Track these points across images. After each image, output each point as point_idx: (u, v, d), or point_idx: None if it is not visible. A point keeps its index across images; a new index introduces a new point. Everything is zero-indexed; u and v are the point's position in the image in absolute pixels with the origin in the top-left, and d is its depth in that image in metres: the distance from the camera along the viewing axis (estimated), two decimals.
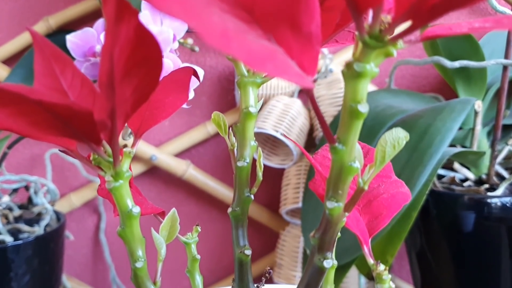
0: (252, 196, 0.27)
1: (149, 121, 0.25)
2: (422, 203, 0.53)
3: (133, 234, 0.23)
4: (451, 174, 0.64)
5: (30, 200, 0.71)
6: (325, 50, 0.75)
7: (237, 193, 0.27)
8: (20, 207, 0.71)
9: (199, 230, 0.32)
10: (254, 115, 0.27)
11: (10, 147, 0.66)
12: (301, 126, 0.70)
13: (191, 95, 0.54)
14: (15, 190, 0.70)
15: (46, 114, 0.20)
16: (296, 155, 0.70)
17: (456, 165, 0.64)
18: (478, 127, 0.62)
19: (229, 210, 0.27)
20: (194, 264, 0.31)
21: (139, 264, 0.24)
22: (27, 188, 0.71)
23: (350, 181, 0.22)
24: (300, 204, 0.69)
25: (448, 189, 0.62)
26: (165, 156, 0.79)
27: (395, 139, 0.22)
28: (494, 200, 0.57)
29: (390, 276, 0.22)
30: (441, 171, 0.65)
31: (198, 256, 0.32)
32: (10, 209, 0.69)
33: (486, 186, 0.60)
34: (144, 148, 0.78)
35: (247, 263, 0.27)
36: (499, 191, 0.58)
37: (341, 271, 0.54)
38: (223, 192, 0.81)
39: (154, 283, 0.24)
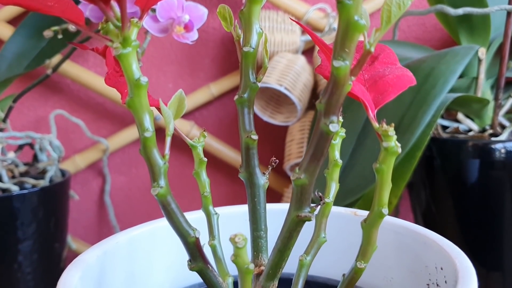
0: (258, 84, 0.28)
1: None
2: (426, 143, 0.53)
3: (141, 103, 0.24)
4: (455, 124, 0.64)
5: (35, 157, 0.72)
6: (328, 9, 0.75)
7: (243, 80, 0.28)
8: (26, 164, 0.71)
9: (206, 135, 0.32)
10: None
11: (15, 100, 0.66)
12: (305, 82, 0.70)
13: (195, 36, 0.54)
14: (20, 147, 0.71)
15: None
16: (300, 110, 0.70)
17: (460, 116, 0.64)
18: (482, 75, 0.62)
19: (236, 97, 0.28)
20: (201, 166, 0.32)
21: (147, 134, 0.24)
22: (32, 146, 0.71)
23: (356, 39, 0.22)
24: None
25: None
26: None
27: None
28: (498, 146, 0.57)
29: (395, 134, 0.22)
30: (445, 122, 0.65)
31: (205, 159, 0.32)
32: (16, 165, 0.69)
33: (490, 131, 0.60)
34: None
35: (253, 147, 0.28)
36: (504, 135, 0.58)
37: None
38: (228, 154, 0.81)
39: (163, 156, 0.25)
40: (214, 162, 0.83)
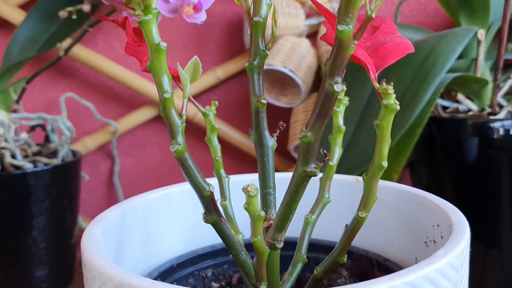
0: (267, 52, 0.30)
1: None
2: (426, 120, 0.55)
3: (161, 67, 0.26)
4: (455, 105, 0.66)
5: (46, 138, 0.74)
6: None
7: (253, 48, 0.30)
8: (38, 145, 0.73)
9: (217, 104, 0.34)
10: None
11: (28, 82, 0.68)
12: (309, 64, 0.72)
13: (204, 16, 0.56)
14: (32, 128, 0.73)
15: None
16: (304, 92, 0.72)
17: (460, 96, 0.66)
18: (481, 57, 0.64)
19: (246, 64, 0.30)
20: (213, 132, 0.34)
21: (167, 95, 0.26)
22: (43, 128, 0.73)
23: (359, 5, 0.24)
24: None
25: None
26: (176, 100, 0.81)
27: None
28: (496, 124, 0.59)
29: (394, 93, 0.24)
30: (445, 103, 0.67)
31: (217, 126, 0.34)
32: (29, 145, 0.71)
33: (489, 110, 0.62)
34: (155, 92, 0.81)
35: (263, 111, 0.30)
36: (501, 114, 0.60)
37: None
38: (234, 136, 0.83)
39: (181, 116, 0.27)
40: (221, 145, 0.85)
